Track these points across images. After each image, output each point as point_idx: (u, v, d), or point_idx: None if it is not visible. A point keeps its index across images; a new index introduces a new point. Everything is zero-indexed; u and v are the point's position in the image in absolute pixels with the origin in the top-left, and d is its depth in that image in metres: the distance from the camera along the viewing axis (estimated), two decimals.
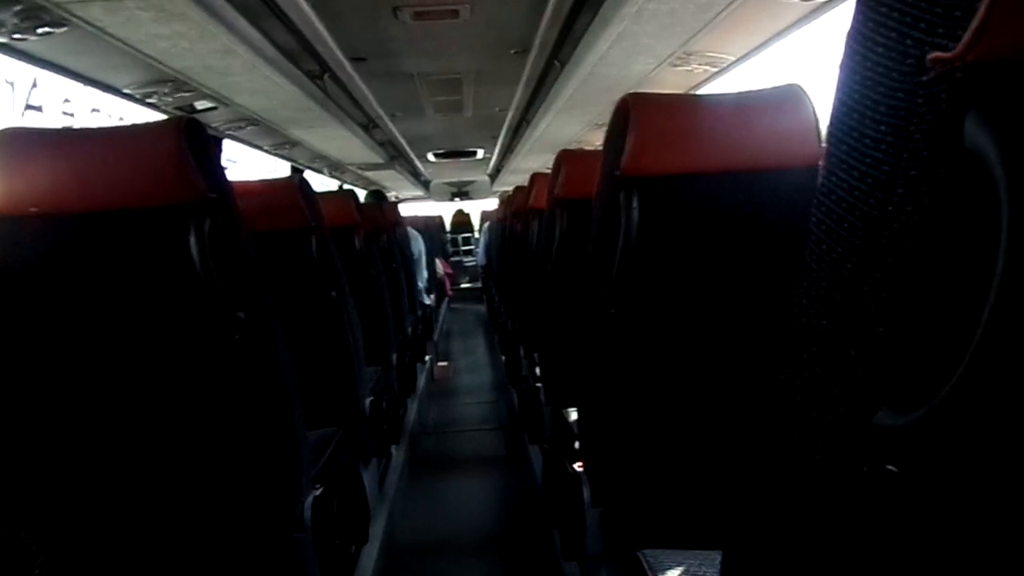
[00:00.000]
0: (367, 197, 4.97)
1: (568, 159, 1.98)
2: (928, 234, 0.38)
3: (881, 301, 0.40)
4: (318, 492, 1.46)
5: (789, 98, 1.24)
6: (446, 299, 8.60)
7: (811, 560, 0.48)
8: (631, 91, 1.25)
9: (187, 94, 2.70)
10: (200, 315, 1.19)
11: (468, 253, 11.12)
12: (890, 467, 0.40)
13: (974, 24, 0.32)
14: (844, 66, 0.42)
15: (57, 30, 1.86)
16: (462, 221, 11.60)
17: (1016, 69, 0.34)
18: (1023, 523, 0.37)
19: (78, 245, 1.18)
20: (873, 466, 0.41)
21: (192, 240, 1.15)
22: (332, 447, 1.85)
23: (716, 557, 0.70)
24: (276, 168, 5.13)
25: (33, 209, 1.15)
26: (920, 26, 0.36)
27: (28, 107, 2.30)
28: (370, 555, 2.11)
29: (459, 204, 11.28)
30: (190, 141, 1.14)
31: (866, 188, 0.40)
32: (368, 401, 2.36)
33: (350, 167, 6.33)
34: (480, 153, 7.14)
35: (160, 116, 2.78)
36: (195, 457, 1.30)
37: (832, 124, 0.43)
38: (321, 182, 6.49)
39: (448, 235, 11.38)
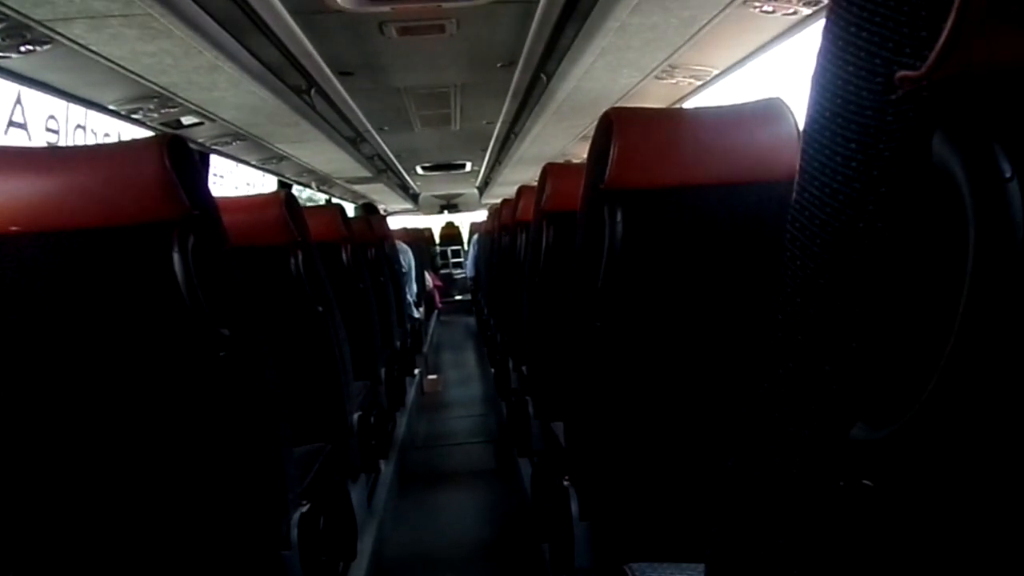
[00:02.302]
0: (356, 210, 4.97)
1: (553, 172, 1.99)
2: (899, 250, 0.38)
3: (853, 316, 0.41)
4: (305, 509, 1.45)
5: (771, 112, 1.25)
6: (435, 312, 8.59)
7: (790, 574, 0.48)
8: (616, 104, 1.26)
9: (173, 110, 2.70)
10: (184, 332, 1.18)
11: (458, 266, 11.12)
12: (866, 481, 0.40)
13: (939, 43, 0.33)
14: (815, 83, 0.42)
15: (40, 48, 1.85)
16: (451, 234, 11.61)
17: (981, 87, 0.34)
18: (998, 537, 0.37)
19: (60, 262, 1.17)
20: (849, 480, 0.41)
21: (176, 257, 1.14)
22: (319, 463, 1.84)
23: (703, 570, 0.70)
24: (266, 182, 5.14)
25: (14, 228, 1.14)
26: (888, 45, 0.37)
27: (11, 124, 2.28)
28: (358, 572, 2.09)
29: (448, 217, 11.30)
30: (173, 158, 1.14)
31: (837, 205, 0.40)
32: (356, 416, 2.34)
33: (338, 181, 6.33)
34: (468, 166, 7.16)
35: (146, 132, 2.77)
36: (180, 474, 1.29)
37: (804, 141, 0.43)
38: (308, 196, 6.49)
39: (437, 248, 11.38)
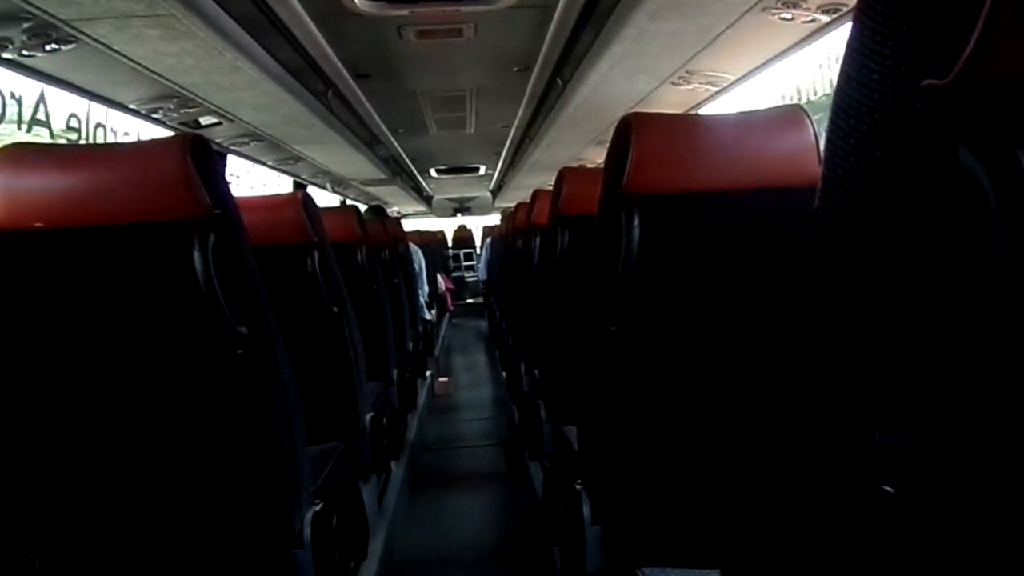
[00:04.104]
0: (366, 213, 4.98)
1: (570, 176, 1.99)
2: (923, 258, 0.38)
3: (876, 323, 0.41)
4: (318, 508, 1.46)
5: (790, 118, 1.25)
6: (447, 314, 8.60)
7: None
8: (632, 110, 1.26)
9: (192, 110, 2.72)
10: (203, 330, 1.20)
11: (470, 269, 11.13)
12: (887, 487, 0.40)
13: (966, 53, 0.33)
14: (840, 91, 0.43)
15: (64, 47, 1.88)
16: (464, 237, 11.62)
17: (1007, 96, 0.34)
18: (1019, 547, 0.37)
19: (82, 259, 1.18)
20: (870, 486, 0.41)
21: (196, 255, 1.16)
22: (332, 463, 1.85)
23: (716, 575, 0.70)
24: (281, 183, 5.16)
25: (38, 224, 1.15)
26: (914, 54, 0.37)
27: (34, 122, 2.31)
28: (369, 571, 2.10)
29: (461, 220, 11.31)
30: (195, 157, 1.15)
31: (861, 212, 0.40)
32: (369, 417, 2.35)
33: (353, 182, 6.35)
34: (482, 169, 7.17)
35: (165, 132, 2.80)
36: (195, 471, 1.30)
37: (828, 148, 0.43)
38: (325, 197, 6.51)
39: (450, 251, 11.40)
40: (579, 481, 1.48)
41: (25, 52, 1.86)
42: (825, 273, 0.43)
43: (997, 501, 0.37)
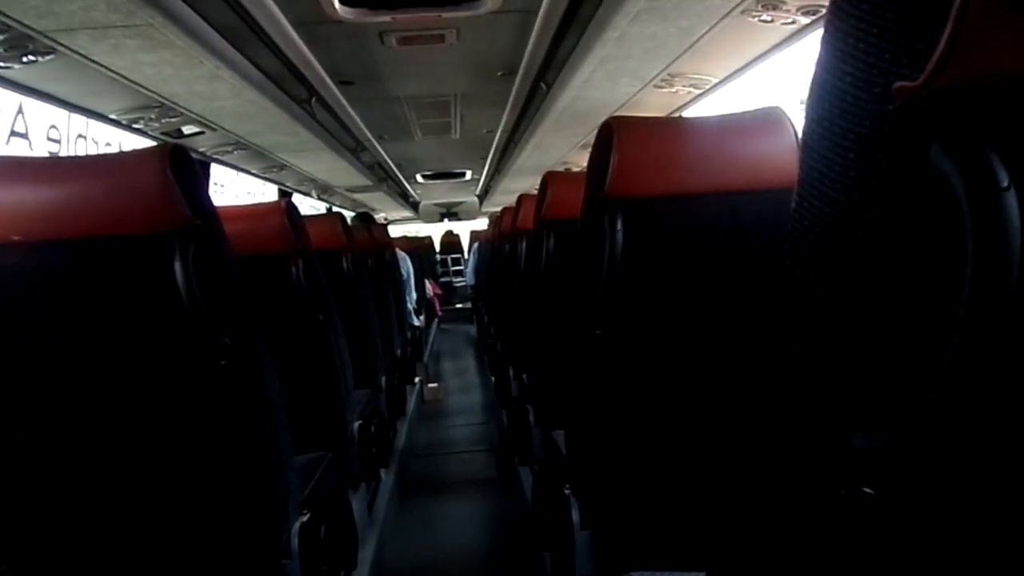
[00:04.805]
0: (353, 220, 4.97)
1: (554, 181, 1.99)
2: (897, 260, 0.39)
3: (853, 325, 0.41)
4: (306, 518, 1.45)
5: (770, 120, 1.26)
6: (436, 320, 8.59)
7: None
8: (616, 113, 1.27)
9: (174, 119, 2.70)
10: (186, 341, 1.19)
11: (458, 274, 11.13)
12: (866, 490, 0.40)
13: (936, 55, 0.33)
14: (813, 93, 0.43)
15: (43, 58, 1.86)
16: (451, 242, 11.62)
17: (978, 97, 0.35)
18: (999, 544, 0.37)
19: (63, 272, 1.17)
20: (850, 489, 0.41)
21: (177, 267, 1.15)
22: (320, 472, 1.84)
23: None
24: (266, 191, 5.14)
25: (16, 237, 1.14)
26: (885, 56, 0.37)
27: (13, 134, 2.29)
28: None
29: (448, 225, 11.31)
30: (175, 168, 1.15)
31: (836, 214, 0.41)
32: (357, 425, 2.34)
33: (339, 189, 6.34)
34: (468, 174, 7.17)
35: (147, 142, 2.78)
36: (181, 483, 1.29)
37: (803, 151, 0.43)
38: (311, 205, 6.50)
39: (438, 256, 11.40)
40: (568, 485, 1.48)
41: (2, 64, 1.85)
42: (802, 275, 0.44)
43: (977, 502, 0.37)
